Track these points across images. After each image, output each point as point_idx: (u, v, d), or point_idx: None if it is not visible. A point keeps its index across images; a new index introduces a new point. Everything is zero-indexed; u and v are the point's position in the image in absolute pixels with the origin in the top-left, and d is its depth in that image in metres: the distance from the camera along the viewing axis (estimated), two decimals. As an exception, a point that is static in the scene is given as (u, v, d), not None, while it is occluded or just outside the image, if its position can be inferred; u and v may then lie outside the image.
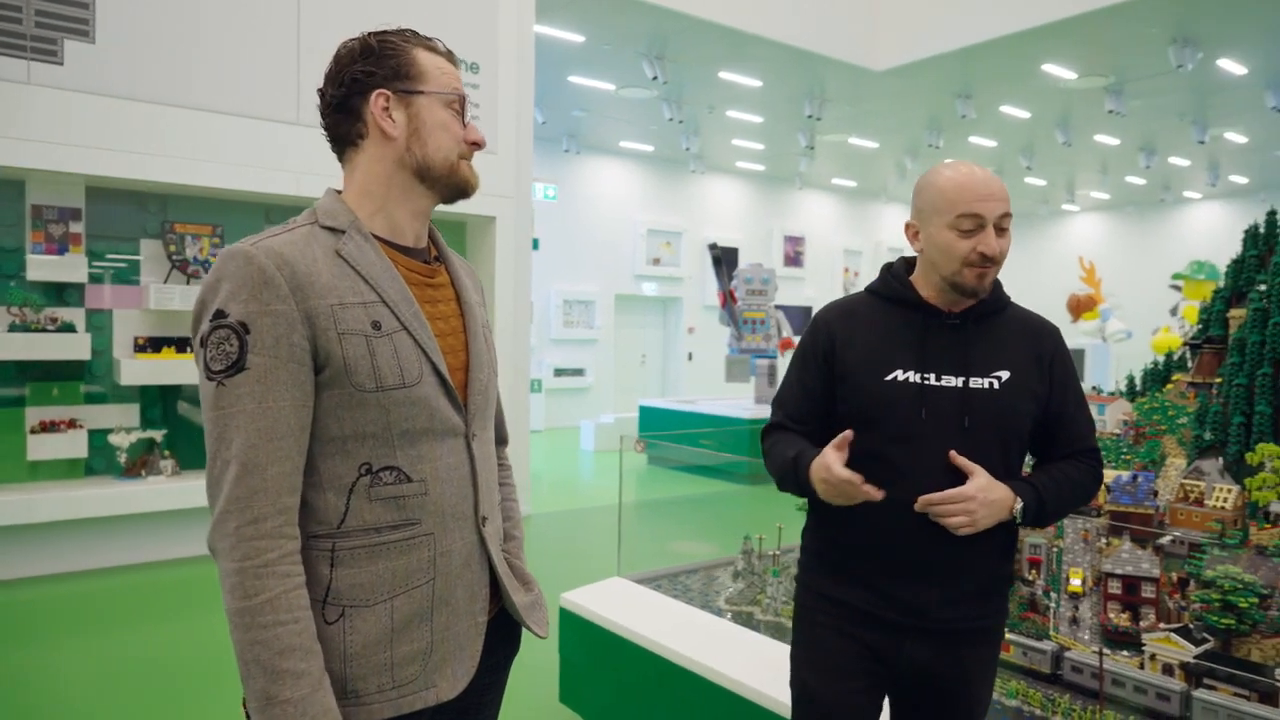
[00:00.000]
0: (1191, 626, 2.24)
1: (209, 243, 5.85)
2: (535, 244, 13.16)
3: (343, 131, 1.34)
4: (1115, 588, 2.47)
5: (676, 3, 8.17)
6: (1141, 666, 2.20)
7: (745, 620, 2.97)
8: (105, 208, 5.68)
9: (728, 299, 9.97)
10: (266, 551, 1.15)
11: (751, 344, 9.88)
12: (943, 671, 1.64)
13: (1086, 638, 2.47)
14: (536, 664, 3.25)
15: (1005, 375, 1.63)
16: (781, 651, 2.67)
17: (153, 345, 5.73)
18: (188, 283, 5.83)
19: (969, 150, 13.78)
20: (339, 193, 1.35)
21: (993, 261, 1.61)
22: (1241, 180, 16.04)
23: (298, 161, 5.86)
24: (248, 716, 1.19)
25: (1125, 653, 2.30)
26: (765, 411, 8.88)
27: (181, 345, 5.80)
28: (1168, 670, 2.16)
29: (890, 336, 1.67)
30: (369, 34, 1.34)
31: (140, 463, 5.68)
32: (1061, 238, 19.86)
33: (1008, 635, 2.49)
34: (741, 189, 16.34)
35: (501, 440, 1.61)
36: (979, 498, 1.53)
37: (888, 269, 1.77)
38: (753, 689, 2.41)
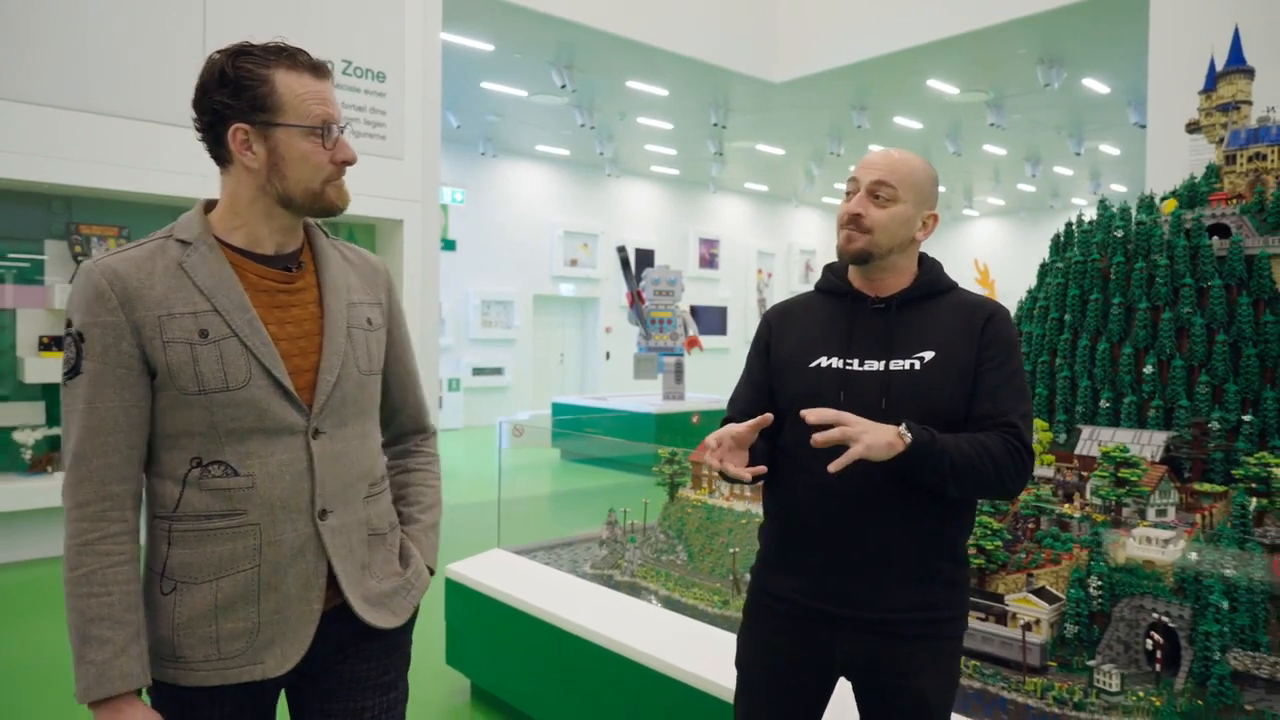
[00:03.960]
0: (957, 568, 2.71)
1: (115, 244, 5.98)
2: (453, 245, 13.41)
3: (213, 154, 1.43)
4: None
5: (581, 15, 8.54)
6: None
7: (606, 581, 3.35)
8: (7, 209, 5.77)
9: (636, 299, 10.38)
10: (89, 532, 1.31)
11: (659, 342, 10.32)
12: (882, 665, 1.61)
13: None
14: (424, 630, 3.56)
15: (929, 356, 1.61)
16: (636, 606, 3.06)
17: (58, 344, 5.83)
18: (93, 283, 5.94)
19: (870, 158, 14.49)
20: (211, 204, 1.46)
21: (856, 225, 1.62)
22: (1121, 189, 17.22)
23: (202, 164, 6.01)
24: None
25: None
26: (673, 406, 9.28)
27: (87, 344, 5.92)
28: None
29: (820, 326, 1.70)
30: (228, 56, 1.37)
31: (45, 459, 5.78)
32: (963, 242, 20.94)
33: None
34: (657, 192, 16.80)
35: (419, 429, 1.71)
36: (856, 422, 1.47)
37: (828, 266, 1.80)
38: (612, 639, 2.77)
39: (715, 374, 14.96)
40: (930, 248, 1.79)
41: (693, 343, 10.49)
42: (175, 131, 5.94)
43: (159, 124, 5.89)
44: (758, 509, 3.30)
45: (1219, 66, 4.29)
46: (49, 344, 5.82)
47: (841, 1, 9.91)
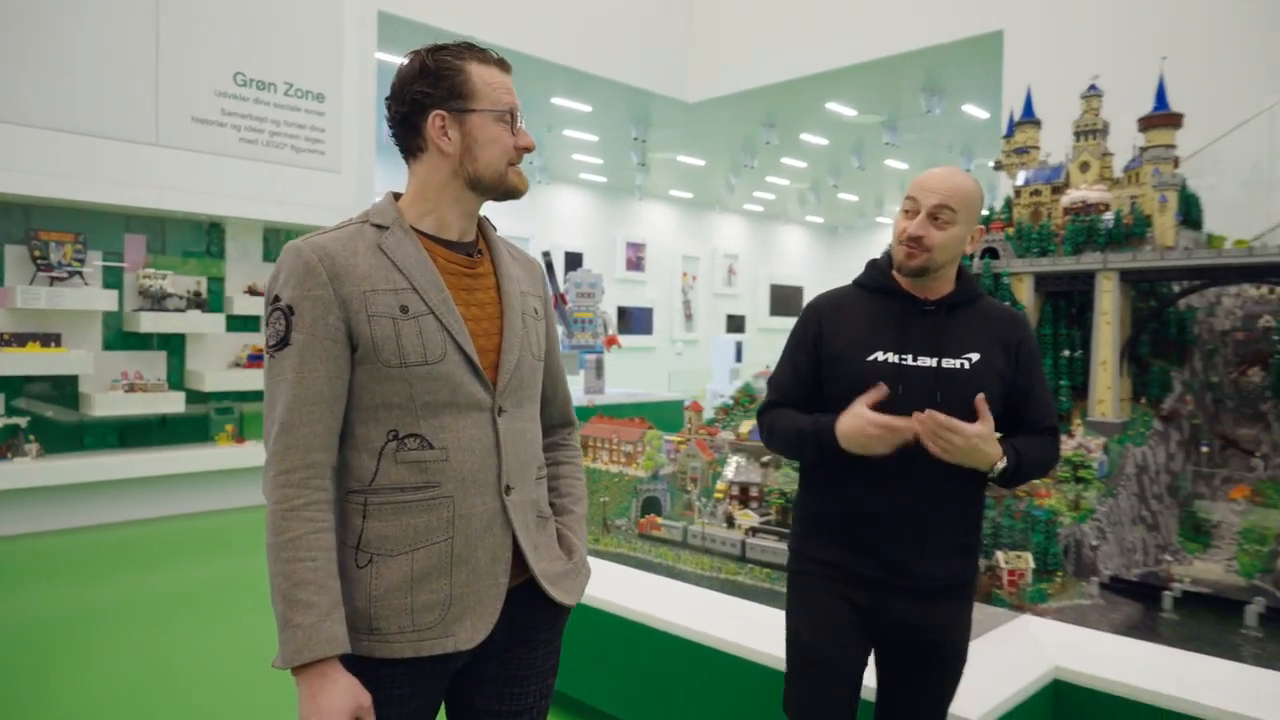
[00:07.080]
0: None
1: (71, 249, 6.53)
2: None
3: (406, 144, 1.51)
4: (736, 491, 3.82)
5: (506, 40, 9.31)
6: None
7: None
8: (-29, 216, 6.30)
9: (559, 301, 11.17)
10: (295, 498, 1.34)
11: (581, 341, 11.13)
12: (922, 624, 1.79)
13: (719, 520, 3.81)
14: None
15: (975, 357, 1.79)
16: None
17: (18, 340, 6.37)
18: (51, 284, 6.50)
19: (782, 168, 15.57)
20: (397, 195, 1.54)
21: (918, 244, 1.77)
22: (1016, 201, 18.65)
23: (158, 178, 6.65)
24: None
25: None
26: (594, 400, 10.11)
27: (45, 341, 6.47)
28: (748, 531, 3.50)
29: (872, 322, 1.84)
30: (427, 52, 1.47)
31: (5, 446, 6.32)
32: (877, 248, 22.27)
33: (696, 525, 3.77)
34: (586, 199, 17.61)
35: (566, 423, 1.77)
36: (971, 435, 1.65)
37: (873, 264, 1.95)
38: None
39: (641, 370, 15.84)
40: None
41: (611, 341, 11.32)
42: (130, 147, 6.55)
43: (110, 139, 6.48)
44: (630, 470, 4.14)
45: (1016, 118, 5.32)
46: (9, 340, 6.35)
47: (747, 31, 10.89)
